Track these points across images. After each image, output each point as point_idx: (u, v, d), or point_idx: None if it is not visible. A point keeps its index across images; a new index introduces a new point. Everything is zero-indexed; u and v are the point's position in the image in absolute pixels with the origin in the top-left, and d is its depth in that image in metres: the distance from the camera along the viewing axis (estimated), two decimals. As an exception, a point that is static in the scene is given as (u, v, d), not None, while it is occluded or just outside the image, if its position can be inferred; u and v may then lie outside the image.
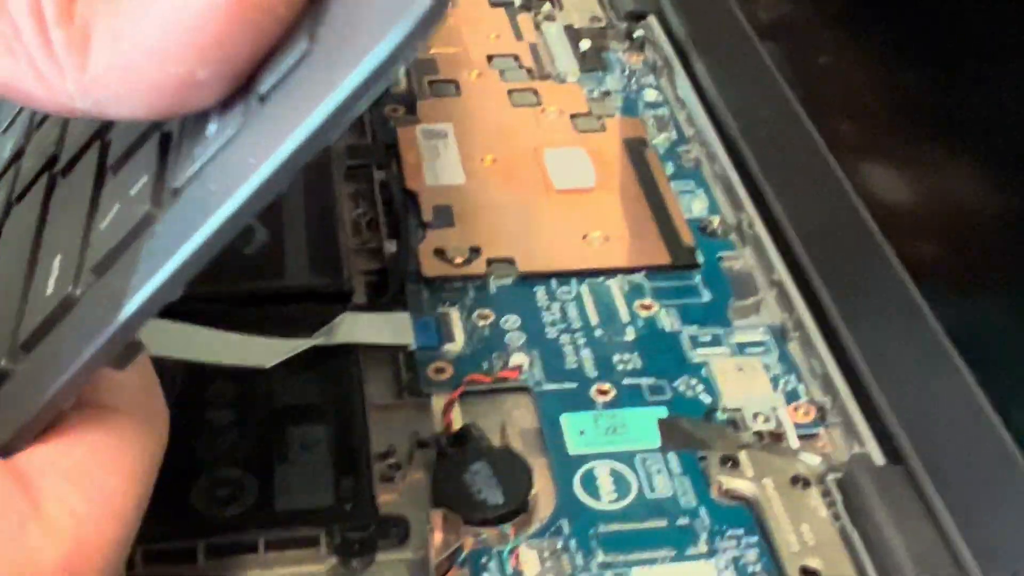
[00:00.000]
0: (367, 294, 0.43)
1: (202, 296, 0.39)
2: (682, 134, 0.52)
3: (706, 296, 0.43)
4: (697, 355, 0.41)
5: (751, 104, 0.48)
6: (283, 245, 0.42)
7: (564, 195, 0.47)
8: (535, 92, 0.54)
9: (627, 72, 0.56)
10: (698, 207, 0.48)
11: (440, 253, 0.44)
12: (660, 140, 0.52)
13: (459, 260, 0.43)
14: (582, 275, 0.44)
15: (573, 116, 0.52)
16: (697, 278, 0.44)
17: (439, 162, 0.48)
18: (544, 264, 0.44)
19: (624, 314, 0.43)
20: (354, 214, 0.45)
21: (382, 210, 0.45)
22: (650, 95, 0.55)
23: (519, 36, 0.57)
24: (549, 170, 0.48)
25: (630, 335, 0.42)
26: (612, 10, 0.60)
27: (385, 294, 0.42)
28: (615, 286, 0.44)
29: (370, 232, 0.45)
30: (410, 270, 0.43)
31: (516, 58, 0.56)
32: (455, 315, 0.42)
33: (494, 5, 0.59)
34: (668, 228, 0.46)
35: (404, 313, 0.40)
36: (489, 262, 0.44)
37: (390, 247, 0.44)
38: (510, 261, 0.44)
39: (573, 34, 0.58)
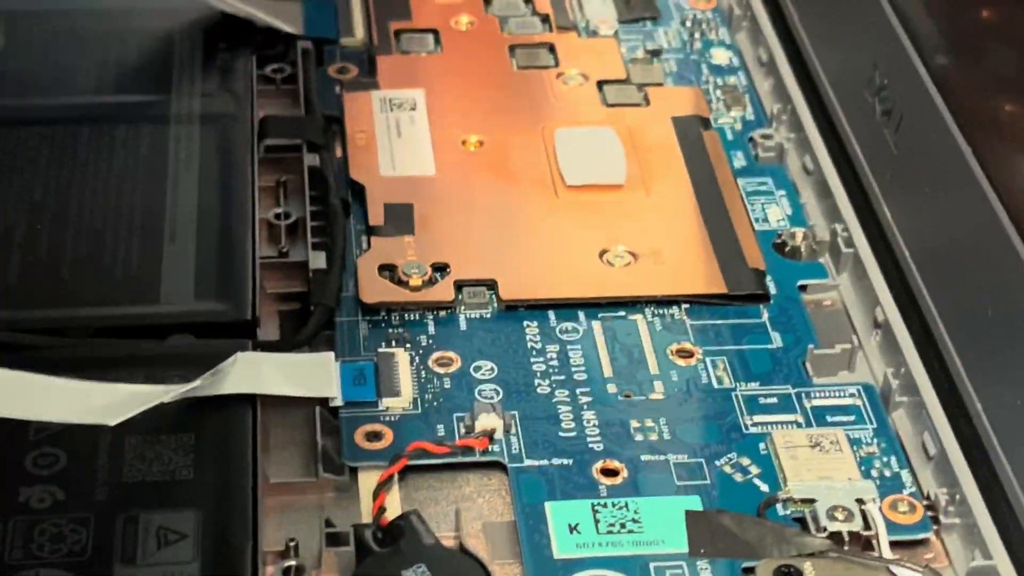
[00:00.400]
0: (279, 326, 0.45)
1: (37, 325, 0.42)
2: (762, 112, 0.54)
3: (776, 341, 0.44)
4: (754, 423, 0.42)
5: (865, 74, 0.49)
6: (160, 254, 0.44)
7: (578, 194, 0.49)
8: (551, 49, 0.55)
9: (687, 22, 0.58)
10: (775, 215, 0.49)
11: (389, 271, 0.46)
12: (728, 120, 0.53)
13: (416, 281, 0.45)
14: (595, 306, 0.45)
15: (603, 84, 0.54)
16: (764, 315, 0.45)
17: (400, 143, 0.50)
18: (539, 290, 0.45)
19: (652, 362, 0.44)
20: (270, 214, 0.47)
21: (310, 209, 0.47)
22: (719, 56, 0.56)
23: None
24: (560, 158, 0.50)
25: (658, 392, 0.43)
26: (674, -64, 0.62)
27: (304, 327, 0.43)
28: (642, 323, 0.45)
29: (290, 239, 0.47)
30: (343, 294, 0.45)
31: (527, 0, 0.58)
32: (403, 358, 0.43)
33: (498, -76, 0.62)
34: (727, 243, 0.47)
35: (327, 354, 0.42)
36: (459, 286, 0.45)
37: (317, 260, 0.45)
38: (489, 285, 0.45)
39: (614, -31, 0.60)
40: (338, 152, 0.50)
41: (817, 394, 0.42)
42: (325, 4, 0.55)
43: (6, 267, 0.44)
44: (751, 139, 0.52)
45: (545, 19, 0.57)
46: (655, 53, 0.56)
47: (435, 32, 0.56)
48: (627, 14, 0.57)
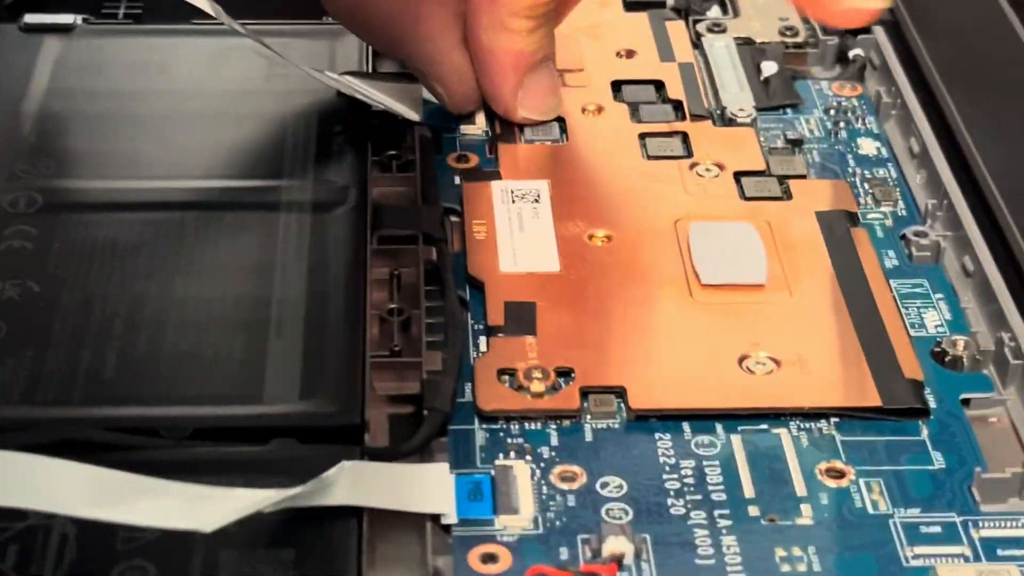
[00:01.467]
0: (389, 433, 0.42)
1: (132, 424, 0.40)
2: (915, 207, 0.50)
3: (937, 461, 0.41)
4: (915, 555, 0.38)
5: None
6: (265, 350, 0.42)
7: (716, 293, 0.46)
8: (684, 138, 0.53)
9: (833, 111, 0.55)
10: (933, 321, 0.46)
11: (509, 375, 0.43)
12: (878, 215, 0.50)
13: (538, 388, 0.42)
14: (734, 419, 0.42)
15: (741, 175, 0.51)
16: (924, 432, 0.42)
17: (522, 237, 0.47)
18: (672, 399, 0.42)
19: (799, 484, 0.40)
20: (383, 310, 0.45)
21: (425, 305, 0.45)
22: (866, 146, 0.53)
23: (667, 54, 0.57)
24: (695, 255, 0.47)
25: (806, 516, 0.39)
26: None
27: (416, 435, 0.41)
28: (787, 439, 0.42)
29: (404, 337, 0.44)
30: (459, 399, 0.42)
31: (659, 87, 0.55)
32: (522, 472, 0.40)
33: (630, 6, 0.59)
34: (881, 351, 0.44)
35: (440, 466, 0.39)
36: (585, 393, 0.43)
37: (432, 361, 0.43)
38: (618, 392, 0.43)
39: (751, 53, 0.57)
40: (456, 245, 0.48)
41: (986, 524, 0.38)
42: None
43: (103, 360, 0.42)
44: (903, 237, 0.49)
45: (678, 106, 0.54)
46: (797, 143, 0.52)
47: (561, 120, 0.53)
48: (766, 101, 0.54)
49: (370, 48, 0.55)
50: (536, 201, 0.49)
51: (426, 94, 0.52)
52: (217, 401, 0.41)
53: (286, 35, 0.55)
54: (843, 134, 0.53)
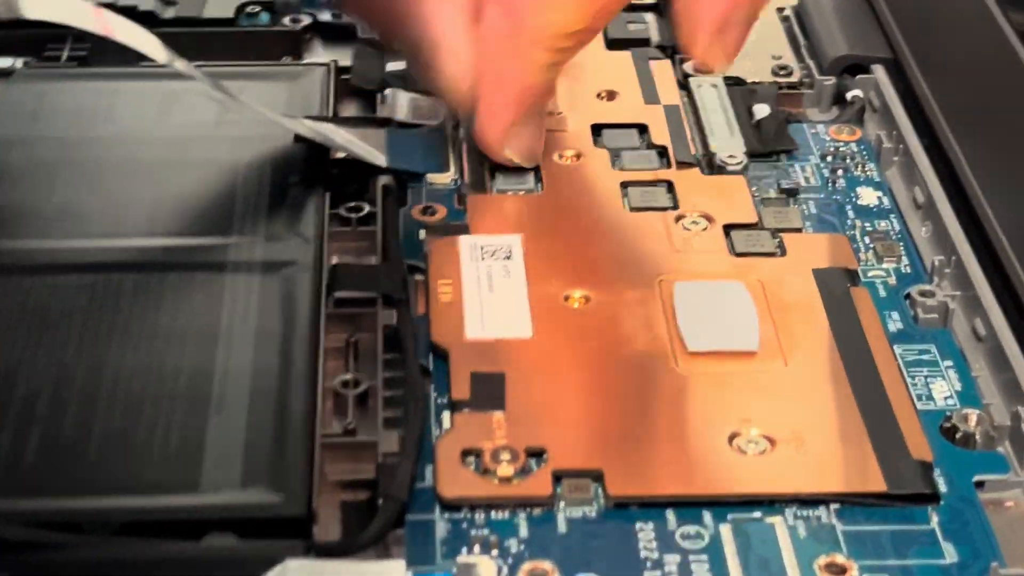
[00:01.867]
0: (342, 523, 0.39)
1: (52, 518, 0.36)
2: (920, 264, 0.47)
3: (949, 554, 0.37)
4: (926, 666, 0.34)
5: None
6: (204, 429, 0.39)
7: (703, 362, 0.42)
8: (669, 187, 0.49)
9: (831, 157, 0.51)
10: (941, 392, 0.42)
11: (474, 456, 0.39)
12: (879, 273, 0.46)
13: (506, 471, 0.39)
14: (724, 506, 0.38)
15: (731, 228, 0.47)
16: (934, 520, 0.38)
17: (492, 299, 0.44)
18: (655, 483, 0.39)
19: None
20: (336, 381, 0.41)
21: (383, 376, 0.41)
22: (868, 197, 0.50)
23: (651, 96, 0.53)
24: (680, 319, 0.43)
25: (803, 620, 0.35)
26: (812, 57, 0.55)
27: (369, 527, 0.37)
28: (782, 528, 0.38)
29: (359, 412, 0.41)
30: (417, 484, 0.39)
31: (642, 131, 0.52)
32: (488, 569, 0.37)
33: (612, 44, 0.56)
34: (885, 427, 0.40)
35: (395, 564, 0.36)
36: (558, 476, 0.39)
37: (389, 442, 0.39)
38: (596, 476, 0.39)
39: (742, 94, 0.54)
40: (420, 308, 0.44)
41: (1006, 629, 0.34)
42: (408, 135, 0.49)
43: (24, 444, 0.38)
44: (908, 297, 0.45)
45: (662, 153, 0.50)
46: (791, 193, 0.49)
47: (536, 168, 0.49)
48: (758, 147, 0.51)
49: (332, 90, 0.51)
50: (507, 258, 0.45)
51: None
52: (149, 490, 0.38)
53: (241, 77, 0.52)
54: (841, 183, 0.50)
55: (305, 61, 0.55)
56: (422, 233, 0.47)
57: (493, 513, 0.38)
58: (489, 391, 0.41)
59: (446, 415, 0.41)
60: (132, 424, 0.39)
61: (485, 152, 0.48)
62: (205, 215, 0.47)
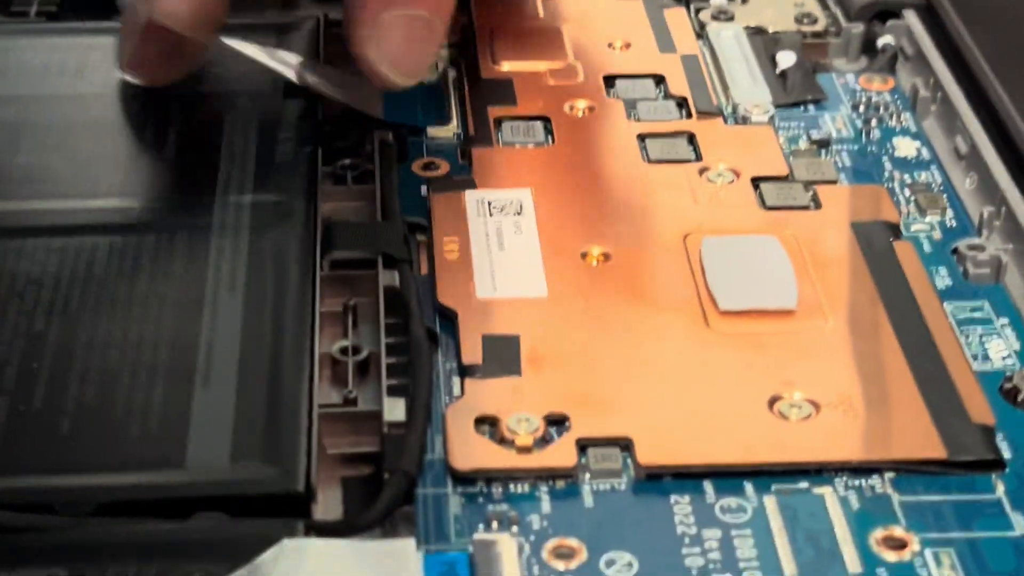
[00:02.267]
0: (344, 503, 0.36)
1: (22, 498, 0.33)
2: (966, 217, 0.44)
3: (1018, 525, 0.34)
4: (1002, 647, 0.31)
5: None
6: (189, 402, 0.36)
7: (737, 322, 0.39)
8: (691, 139, 0.46)
9: (863, 107, 0.48)
10: (998, 351, 0.39)
11: (489, 425, 0.36)
12: (923, 226, 0.43)
13: (525, 440, 0.36)
14: (767, 476, 0.35)
15: (760, 181, 0.44)
16: (1000, 489, 0.35)
17: (503, 257, 0.41)
18: (690, 453, 0.35)
19: (850, 556, 0.33)
20: (334, 347, 0.38)
21: (386, 342, 0.38)
22: (904, 147, 0.47)
23: (667, 45, 0.50)
24: (711, 276, 0.40)
25: (861, 599, 0.32)
26: (837, 4, 0.52)
27: (375, 503, 0.34)
28: (832, 500, 0.35)
29: (360, 381, 0.38)
30: (427, 456, 0.35)
31: (659, 81, 0.49)
32: (508, 547, 0.33)
33: (624, -10, 0.53)
34: (941, 389, 0.37)
35: (405, 541, 0.33)
36: (584, 446, 0.36)
37: (394, 410, 0.36)
38: (624, 445, 0.36)
39: (764, 43, 0.50)
40: (423, 268, 0.41)
41: (1090, 605, 0.31)
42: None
43: (-10, 419, 0.34)
44: (956, 251, 0.42)
45: (682, 103, 0.47)
46: (823, 144, 0.46)
47: (545, 120, 0.46)
48: (784, 97, 0.48)
49: (322, 44, 0.48)
50: (518, 213, 0.42)
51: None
52: (128, 467, 0.34)
53: (226, 31, 0.48)
54: (876, 133, 0.47)
55: (294, 14, 0.52)
56: (423, 189, 0.44)
57: (512, 486, 0.35)
58: (503, 355, 0.38)
59: (456, 381, 0.38)
60: (109, 397, 0.36)
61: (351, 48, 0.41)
62: (186, 174, 0.44)
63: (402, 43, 0.41)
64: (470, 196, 0.43)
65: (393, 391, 0.37)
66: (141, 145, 0.45)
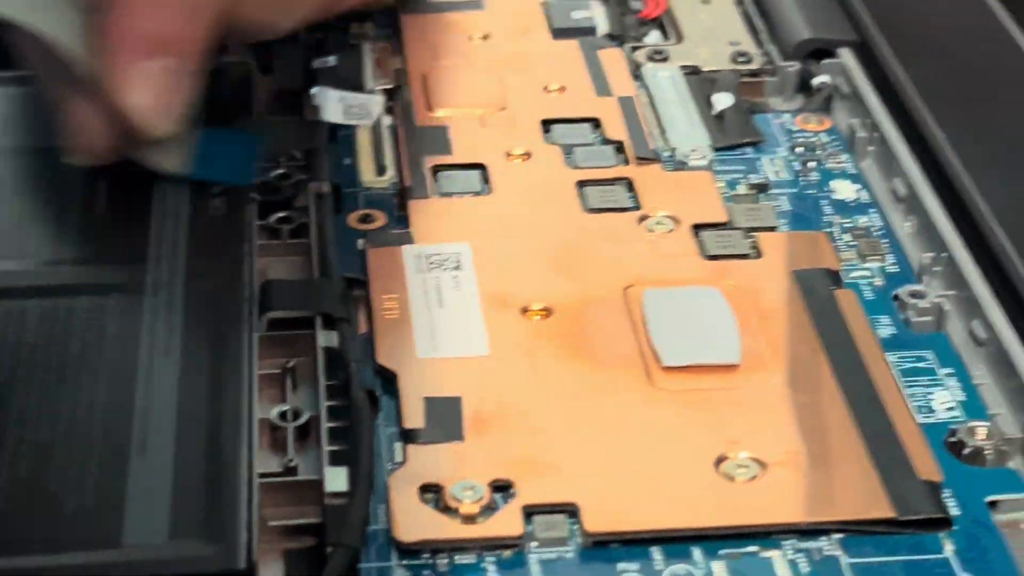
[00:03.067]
0: (286, 575, 0.35)
1: None
2: (907, 262, 0.44)
3: None
4: None
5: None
6: (125, 474, 0.35)
7: (681, 378, 0.39)
8: (629, 185, 0.46)
9: (801, 148, 0.48)
10: (942, 403, 0.39)
11: (433, 493, 0.36)
12: (864, 273, 0.43)
13: (470, 509, 0.35)
14: (715, 539, 0.35)
15: (699, 229, 0.44)
16: (947, 548, 0.35)
17: (443, 315, 0.40)
18: (637, 518, 0.35)
19: None
20: (273, 412, 0.38)
21: (326, 405, 0.37)
22: (844, 190, 0.46)
23: (603, 87, 0.50)
24: (652, 331, 0.40)
25: (813, 668, 0.32)
26: (773, 41, 0.52)
27: None
28: (781, 563, 0.35)
29: (300, 447, 0.37)
30: (370, 527, 0.35)
31: (595, 125, 0.48)
32: (455, 623, 0.32)
33: (559, 34, 0.52)
34: (886, 444, 0.37)
35: None
36: (528, 513, 0.35)
37: (335, 480, 0.35)
38: (570, 512, 0.35)
39: (700, 83, 0.50)
40: (363, 326, 0.40)
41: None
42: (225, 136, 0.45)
43: (-87, 497, 0.34)
44: (897, 298, 0.42)
45: (619, 148, 0.47)
46: (761, 188, 0.46)
47: (481, 168, 0.46)
48: (722, 139, 0.47)
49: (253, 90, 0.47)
50: (456, 268, 0.42)
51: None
52: (61, 547, 0.33)
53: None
54: (814, 175, 0.47)
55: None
56: (360, 243, 0.43)
57: (457, 557, 0.35)
58: (445, 418, 0.37)
59: (398, 447, 0.37)
60: (39, 471, 0.35)
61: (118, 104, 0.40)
62: (117, 232, 0.43)
63: (155, 93, 0.40)
64: (408, 251, 0.42)
65: (335, 458, 0.36)
66: (67, 201, 0.44)
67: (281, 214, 0.44)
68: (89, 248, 0.42)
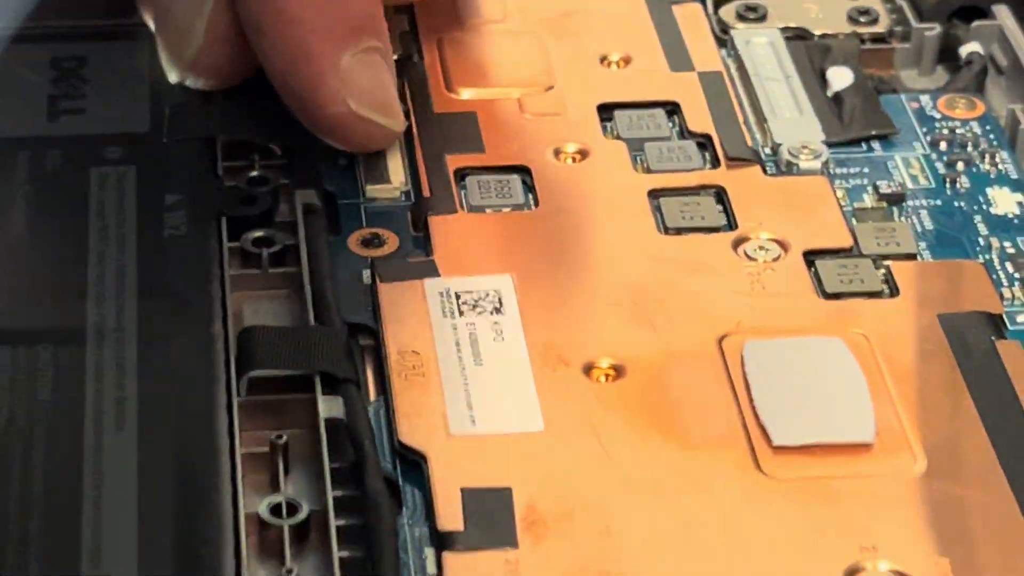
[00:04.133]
0: None
1: None
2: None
3: None
4: None
5: None
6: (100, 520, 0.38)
7: (797, 462, 0.42)
8: (719, 195, 0.49)
9: (944, 144, 0.51)
10: None
11: None
12: (1039, 312, 0.46)
13: None
14: None
15: (815, 256, 0.47)
16: None
17: (481, 375, 0.43)
18: None
19: None
20: (262, 506, 0.40)
21: (332, 495, 0.40)
22: (1004, 202, 0.50)
23: (680, 59, 0.53)
24: (758, 399, 0.43)
25: None
26: (904, -4, 0.55)
27: None
28: None
29: (298, 553, 0.40)
30: None
31: (672, 111, 0.51)
32: None
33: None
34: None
35: None
36: None
37: None
38: None
39: (809, 52, 0.54)
40: (371, 390, 0.44)
41: None
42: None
43: None
44: None
45: (704, 143, 0.49)
46: (895, 200, 0.49)
47: (524, 171, 0.49)
48: (840, 132, 0.50)
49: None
50: (497, 311, 0.45)
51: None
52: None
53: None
54: (964, 181, 0.49)
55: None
56: (365, 275, 0.46)
57: None
58: (492, 516, 0.40)
59: (429, 554, 0.40)
60: None
61: (313, 120, 0.48)
62: (42, 261, 0.46)
63: (373, 81, 0.46)
64: (431, 287, 0.45)
65: (348, 566, 0.39)
66: None
67: (258, 233, 0.47)
68: (4, 284, 0.45)
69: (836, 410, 0.43)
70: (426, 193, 0.48)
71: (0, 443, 0.41)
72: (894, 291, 0.46)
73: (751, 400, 0.43)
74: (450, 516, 0.40)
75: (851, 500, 0.41)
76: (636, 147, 0.50)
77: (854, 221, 0.48)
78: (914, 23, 0.54)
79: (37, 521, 0.39)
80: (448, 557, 0.39)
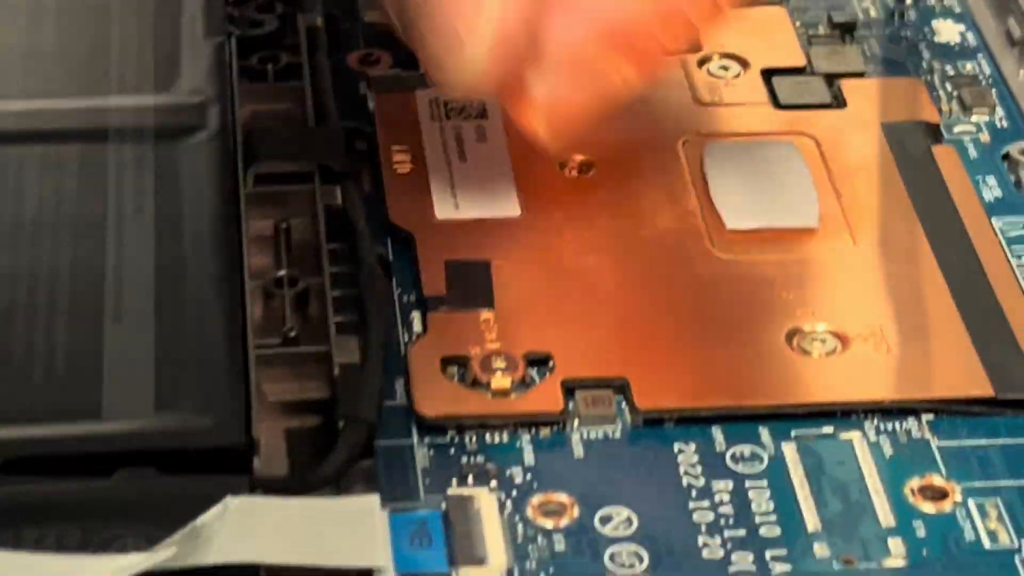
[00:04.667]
0: (289, 457, 0.41)
1: None
2: (1020, 117, 0.50)
3: None
4: (1052, 607, 0.38)
5: None
6: (101, 342, 0.40)
7: (748, 244, 0.45)
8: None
9: None
10: None
11: (459, 366, 0.42)
12: (967, 128, 0.50)
13: (502, 383, 0.42)
14: (786, 419, 0.41)
15: (772, 74, 0.51)
16: None
17: (465, 169, 0.47)
18: (695, 395, 0.42)
19: (883, 508, 0.40)
20: (267, 279, 0.44)
21: (330, 271, 0.44)
22: (947, 32, 0.53)
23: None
24: (714, 190, 0.46)
25: (896, 556, 0.39)
26: None
27: (330, 457, 0.39)
28: (861, 446, 0.41)
29: (300, 317, 0.43)
30: (387, 403, 0.41)
31: None
32: (487, 504, 0.39)
33: None
34: (987, 318, 0.44)
35: (368, 499, 0.38)
36: (570, 388, 0.42)
37: (345, 351, 0.42)
38: (619, 387, 0.42)
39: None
40: (366, 184, 0.47)
41: None
42: None
43: None
44: (1007, 156, 0.48)
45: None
46: (847, 28, 0.52)
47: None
48: (799, -33, 0.54)
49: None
50: (481, 116, 0.48)
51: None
52: (33, 418, 0.39)
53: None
54: (911, 15, 0.53)
55: None
56: (363, 88, 0.50)
57: (488, 436, 0.41)
58: (472, 283, 0.43)
59: (416, 316, 0.43)
60: (4, 340, 0.40)
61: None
62: (71, 68, 0.48)
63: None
64: (422, 97, 0.49)
65: (342, 328, 0.42)
66: (11, 32, 0.50)
67: (265, 52, 0.50)
68: (34, 88, 0.47)
69: (784, 200, 0.46)
70: (418, 17, 0.51)
71: (33, 224, 0.43)
72: (842, 104, 0.50)
73: (708, 192, 0.46)
74: (434, 283, 0.44)
75: (795, 275, 0.44)
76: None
77: (809, 45, 0.51)
78: None
79: (65, 288, 0.42)
80: (432, 317, 0.43)
